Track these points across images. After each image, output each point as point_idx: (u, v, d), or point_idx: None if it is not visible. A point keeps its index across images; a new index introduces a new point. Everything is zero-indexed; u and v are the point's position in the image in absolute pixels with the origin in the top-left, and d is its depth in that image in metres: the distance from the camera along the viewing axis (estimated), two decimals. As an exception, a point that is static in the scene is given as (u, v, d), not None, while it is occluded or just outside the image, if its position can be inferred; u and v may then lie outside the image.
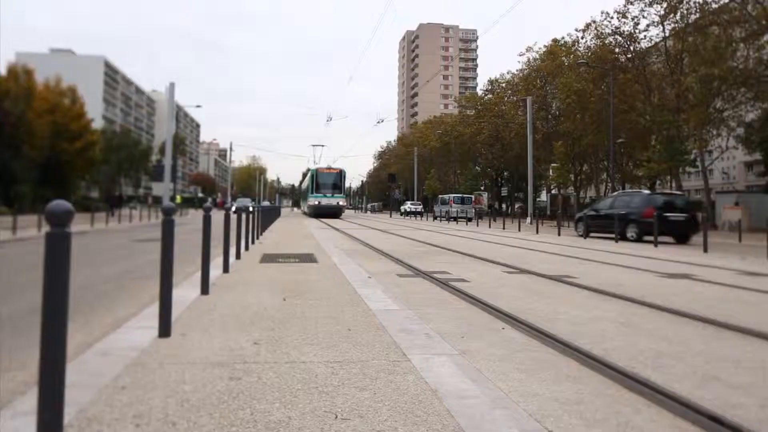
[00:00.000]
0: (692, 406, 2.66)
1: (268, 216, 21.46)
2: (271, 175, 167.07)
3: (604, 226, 18.79)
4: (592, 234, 19.49)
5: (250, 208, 12.71)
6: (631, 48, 36.93)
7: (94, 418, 2.39)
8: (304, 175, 52.55)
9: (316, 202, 38.21)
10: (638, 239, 17.23)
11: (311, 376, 3.03)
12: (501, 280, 7.43)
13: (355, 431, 2.31)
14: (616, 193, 22.72)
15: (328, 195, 38.53)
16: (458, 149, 60.82)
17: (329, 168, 40.63)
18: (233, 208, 11.48)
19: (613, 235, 17.39)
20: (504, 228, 26.20)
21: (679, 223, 17.01)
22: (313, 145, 61.00)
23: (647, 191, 22.82)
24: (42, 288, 1.90)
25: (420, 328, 4.24)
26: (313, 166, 42.43)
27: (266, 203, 71.40)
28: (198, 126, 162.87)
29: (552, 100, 49.59)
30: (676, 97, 31.85)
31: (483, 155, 61.10)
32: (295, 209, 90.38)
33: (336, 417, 2.45)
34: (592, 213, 20.40)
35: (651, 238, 15.67)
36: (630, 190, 25.65)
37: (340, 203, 39.36)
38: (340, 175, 39.80)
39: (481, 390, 2.83)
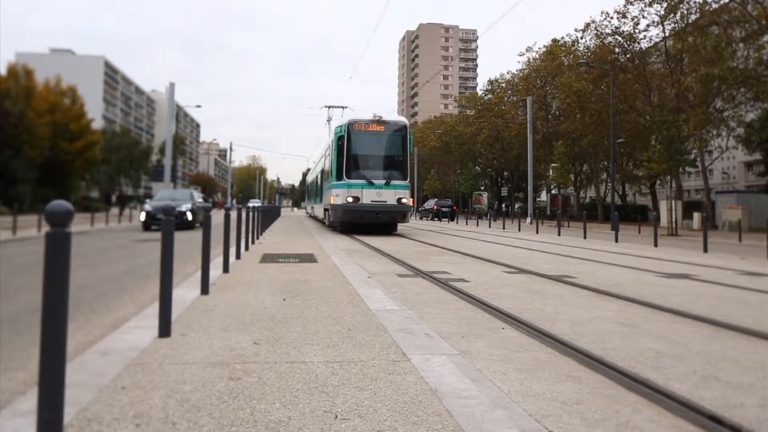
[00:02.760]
0: (692, 406, 2.66)
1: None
2: (271, 175, 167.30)
3: (425, 215, 45.75)
4: (423, 218, 45.73)
5: (188, 214, 5.60)
6: (631, 48, 36.93)
7: (94, 418, 2.39)
8: (304, 175, 49.76)
9: (349, 199, 17.16)
10: (432, 219, 42.55)
11: (311, 376, 3.03)
12: (501, 279, 7.43)
13: (355, 431, 2.31)
14: (432, 200, 50.28)
15: (377, 182, 17.28)
16: (458, 149, 60.82)
17: (379, 120, 17.78)
18: (141, 216, 6.24)
19: (437, 217, 42.41)
20: (504, 228, 26.25)
21: (447, 212, 41.67)
22: (329, 107, 32.56)
23: (436, 199, 51.16)
24: (42, 288, 1.90)
25: (420, 328, 4.24)
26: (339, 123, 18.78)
27: (256, 202, 55.97)
28: (198, 126, 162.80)
29: (552, 100, 49.65)
30: (676, 97, 31.85)
31: (483, 155, 61.13)
32: (296, 210, 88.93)
33: (336, 417, 2.45)
34: (422, 209, 49.43)
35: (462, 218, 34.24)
36: (426, 202, 50.94)
37: (403, 200, 17.64)
38: (403, 134, 18.07)
39: (481, 390, 2.83)
